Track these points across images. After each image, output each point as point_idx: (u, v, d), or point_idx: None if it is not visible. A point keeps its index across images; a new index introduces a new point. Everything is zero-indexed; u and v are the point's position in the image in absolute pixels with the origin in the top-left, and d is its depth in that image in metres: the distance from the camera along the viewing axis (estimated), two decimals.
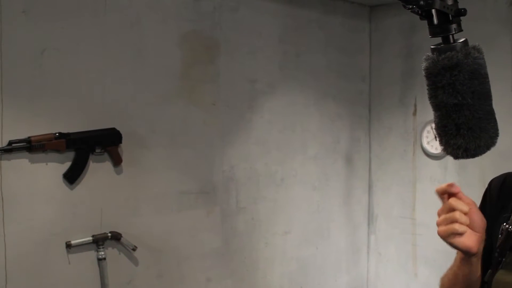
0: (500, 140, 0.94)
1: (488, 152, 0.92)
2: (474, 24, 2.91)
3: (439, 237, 1.00)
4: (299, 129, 3.09)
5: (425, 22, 0.92)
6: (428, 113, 3.17)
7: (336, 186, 3.32)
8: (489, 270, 1.04)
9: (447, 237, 0.95)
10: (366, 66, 3.48)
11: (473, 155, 0.92)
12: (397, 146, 3.38)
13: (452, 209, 0.95)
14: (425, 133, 3.20)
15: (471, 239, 0.96)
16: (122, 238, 2.34)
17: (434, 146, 3.14)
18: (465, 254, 1.00)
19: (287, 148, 3.03)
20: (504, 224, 1.04)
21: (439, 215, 0.97)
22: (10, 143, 2.03)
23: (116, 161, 2.34)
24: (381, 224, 3.47)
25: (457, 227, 0.94)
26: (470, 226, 0.96)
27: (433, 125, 0.95)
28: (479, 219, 0.98)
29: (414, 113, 3.27)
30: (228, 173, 2.78)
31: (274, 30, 2.96)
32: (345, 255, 3.39)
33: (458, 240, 0.95)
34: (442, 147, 0.94)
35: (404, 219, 3.32)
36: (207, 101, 2.69)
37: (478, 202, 1.21)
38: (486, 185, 1.22)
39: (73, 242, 2.21)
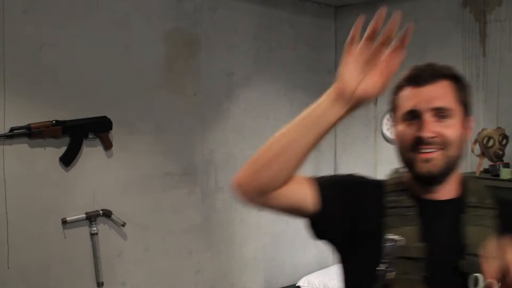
0: None
1: None
2: (430, 22, 2.91)
3: None
4: (271, 117, 3.18)
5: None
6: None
7: (305, 169, 3.45)
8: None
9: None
10: (332, 61, 3.55)
11: None
12: (360, 133, 3.48)
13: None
14: (385, 121, 3.31)
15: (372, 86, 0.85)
16: (112, 215, 2.45)
17: (393, 132, 3.34)
18: (346, 96, 0.85)
19: (261, 135, 3.10)
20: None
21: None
22: (11, 129, 2.14)
23: (107, 145, 2.45)
24: None
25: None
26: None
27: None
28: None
29: (375, 103, 3.37)
30: (208, 157, 2.88)
31: (249, 28, 3.06)
32: None
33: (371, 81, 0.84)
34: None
35: None
36: (189, 91, 2.78)
37: None
38: None
39: (68, 218, 2.31)
